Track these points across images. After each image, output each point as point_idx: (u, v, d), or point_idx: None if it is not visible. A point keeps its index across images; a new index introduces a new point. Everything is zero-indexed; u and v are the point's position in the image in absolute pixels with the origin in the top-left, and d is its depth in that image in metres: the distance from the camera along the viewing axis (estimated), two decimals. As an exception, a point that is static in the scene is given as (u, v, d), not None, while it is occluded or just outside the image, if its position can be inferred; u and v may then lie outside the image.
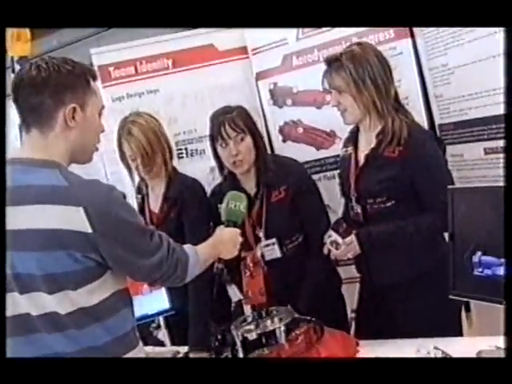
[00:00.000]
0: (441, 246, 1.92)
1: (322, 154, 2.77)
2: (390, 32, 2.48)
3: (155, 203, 2.42)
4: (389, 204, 1.93)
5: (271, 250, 2.18)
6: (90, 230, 1.37)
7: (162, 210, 2.37)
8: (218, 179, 2.38)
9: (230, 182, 2.24)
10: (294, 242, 2.21)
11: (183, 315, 2.17)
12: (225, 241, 1.79)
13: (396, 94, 2.00)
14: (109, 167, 3.21)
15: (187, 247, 1.62)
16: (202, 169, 2.76)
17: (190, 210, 2.29)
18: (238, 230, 1.82)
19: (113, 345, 1.45)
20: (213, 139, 2.20)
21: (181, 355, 2.11)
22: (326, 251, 1.98)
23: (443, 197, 1.70)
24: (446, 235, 1.73)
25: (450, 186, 1.65)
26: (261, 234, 2.18)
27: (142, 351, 1.58)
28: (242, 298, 1.87)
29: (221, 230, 1.83)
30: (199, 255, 1.63)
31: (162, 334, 2.29)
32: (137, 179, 2.48)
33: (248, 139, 2.17)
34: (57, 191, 1.38)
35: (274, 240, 2.18)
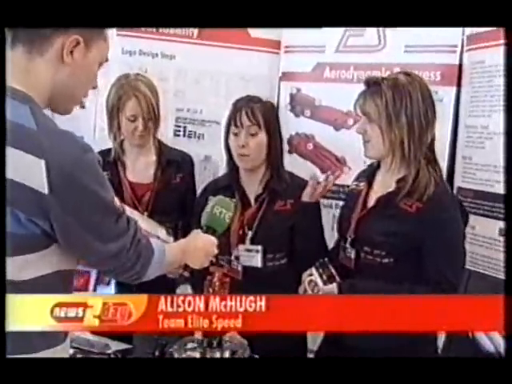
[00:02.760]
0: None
1: (325, 178, 2.56)
2: (437, 74, 2.27)
3: (143, 172, 2.30)
4: (386, 260, 1.72)
5: (252, 256, 2.03)
6: (45, 191, 1.13)
7: (155, 177, 2.28)
8: (210, 171, 2.20)
9: (230, 178, 2.09)
10: (275, 260, 2.04)
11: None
12: (197, 248, 1.57)
13: (432, 142, 1.78)
14: (99, 122, 2.97)
15: (156, 244, 1.40)
16: (196, 153, 2.53)
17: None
18: (215, 241, 1.60)
19: (33, 335, 1.20)
20: (228, 126, 2.07)
21: (111, 351, 1.87)
22: (301, 291, 1.78)
23: (451, 276, 1.50)
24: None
25: (468, 267, 1.45)
26: (248, 236, 2.02)
27: (67, 350, 1.34)
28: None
29: (196, 235, 1.61)
30: (166, 255, 1.41)
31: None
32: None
33: (262, 136, 2.04)
34: (20, 132, 1.13)
35: (259, 247, 2.01)
